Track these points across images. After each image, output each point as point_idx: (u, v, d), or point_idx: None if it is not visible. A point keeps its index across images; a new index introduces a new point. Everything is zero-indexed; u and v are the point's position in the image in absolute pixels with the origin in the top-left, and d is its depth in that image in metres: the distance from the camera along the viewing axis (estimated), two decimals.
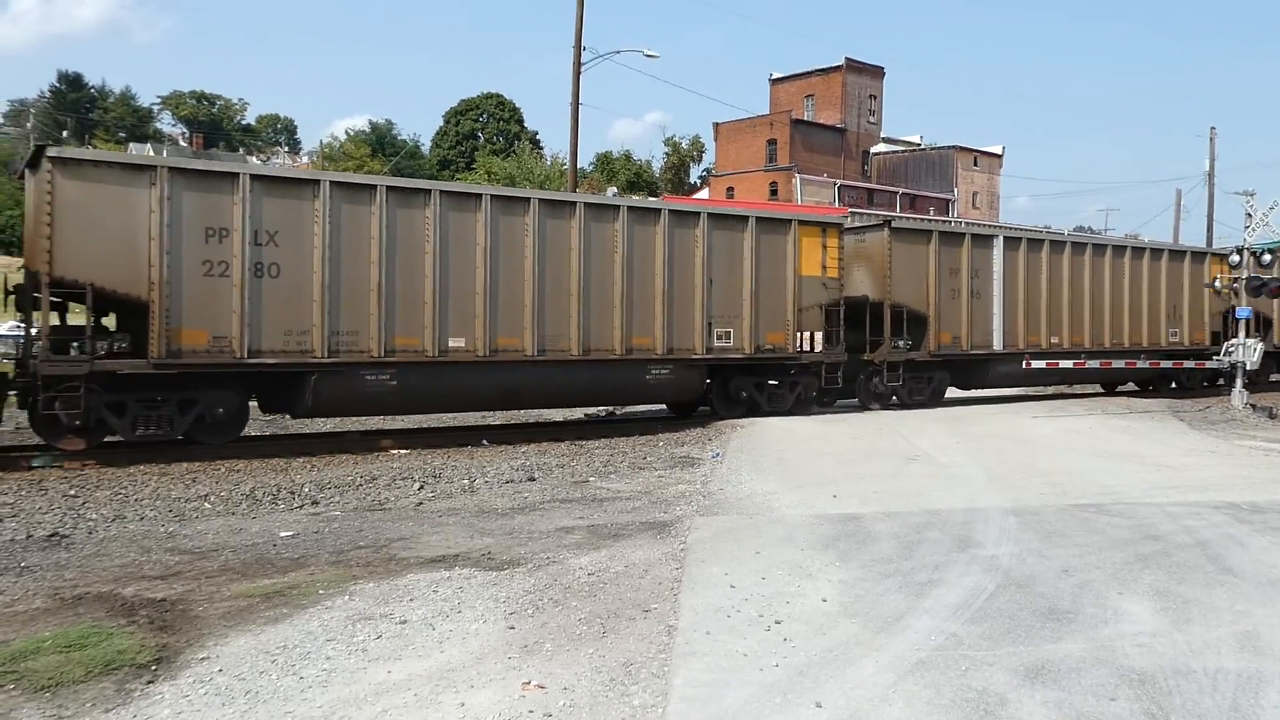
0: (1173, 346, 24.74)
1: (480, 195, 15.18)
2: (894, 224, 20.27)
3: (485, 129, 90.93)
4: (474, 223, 14.83)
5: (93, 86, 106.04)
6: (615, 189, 70.81)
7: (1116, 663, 5.45)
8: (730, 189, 75.12)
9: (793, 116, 77.18)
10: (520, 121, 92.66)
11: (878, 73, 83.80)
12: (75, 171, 12.31)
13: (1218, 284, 22.77)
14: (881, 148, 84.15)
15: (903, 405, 20.38)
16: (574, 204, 16.03)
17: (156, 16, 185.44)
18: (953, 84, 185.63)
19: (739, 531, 8.85)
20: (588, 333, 15.88)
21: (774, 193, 72.29)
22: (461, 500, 10.71)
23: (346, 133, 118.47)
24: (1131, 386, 26.89)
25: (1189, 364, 25.22)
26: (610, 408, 20.31)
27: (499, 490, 11.31)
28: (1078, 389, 26.54)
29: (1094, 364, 23.07)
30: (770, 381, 18.27)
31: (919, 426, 17.14)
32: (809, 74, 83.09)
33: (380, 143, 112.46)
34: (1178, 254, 25.73)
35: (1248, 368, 21.85)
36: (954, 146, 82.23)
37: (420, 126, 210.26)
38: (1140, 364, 24.07)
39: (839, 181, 74.26)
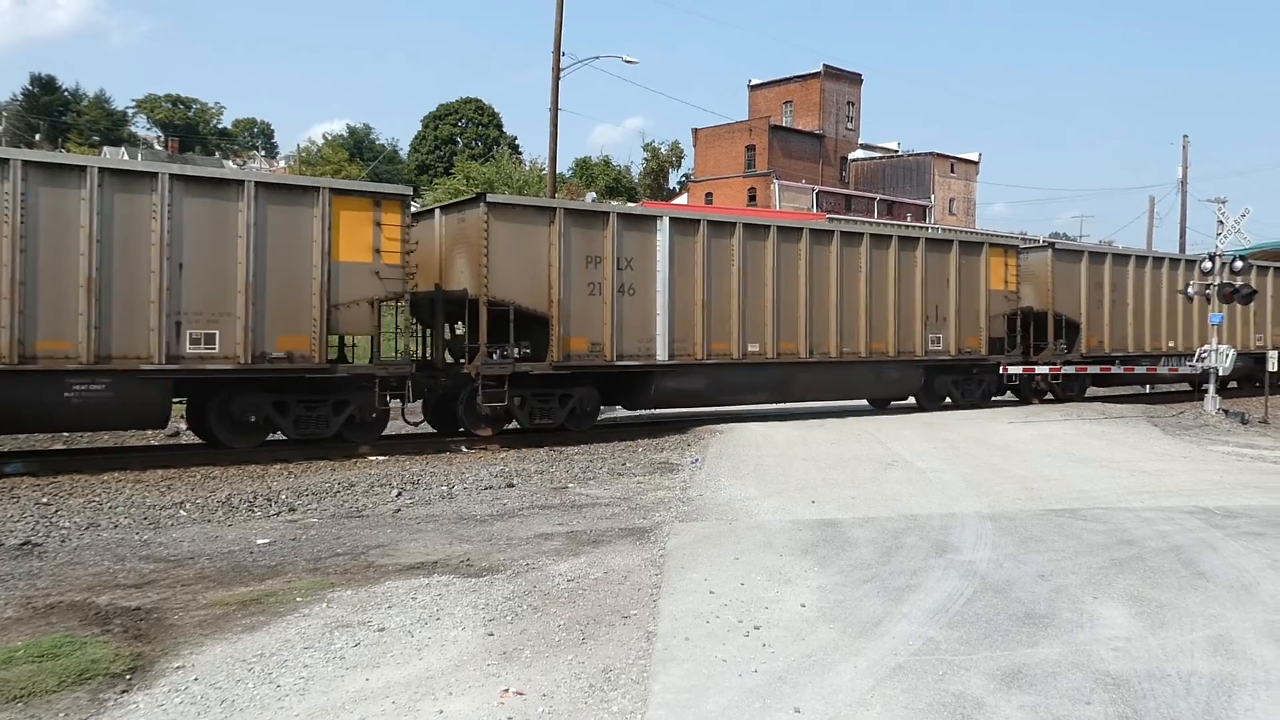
0: (931, 356, 20.83)
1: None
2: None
3: (464, 134, 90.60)
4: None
5: (66, 90, 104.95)
6: (594, 194, 70.78)
7: (1092, 666, 5.50)
8: (709, 195, 75.22)
9: (771, 122, 77.44)
10: (499, 126, 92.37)
11: (855, 79, 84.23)
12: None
13: (1190, 290, 23.00)
14: (859, 154, 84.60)
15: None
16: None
17: (135, 20, 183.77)
18: (930, 91, 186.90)
19: (718, 537, 8.87)
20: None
21: (752, 199, 72.48)
22: (440, 507, 10.67)
23: (324, 137, 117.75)
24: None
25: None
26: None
27: (478, 497, 11.27)
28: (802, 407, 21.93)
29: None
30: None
31: (896, 432, 17.23)
32: (787, 80, 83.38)
33: (358, 147, 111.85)
34: (941, 244, 21.52)
35: (1220, 373, 22.11)
36: (931, 153, 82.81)
37: (398, 131, 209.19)
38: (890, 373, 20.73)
39: (817, 187, 74.56)
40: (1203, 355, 22.45)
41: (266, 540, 8.84)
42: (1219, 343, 22.27)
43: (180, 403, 15.01)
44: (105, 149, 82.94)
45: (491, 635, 6.04)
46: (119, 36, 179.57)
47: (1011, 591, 7.01)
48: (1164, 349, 25.62)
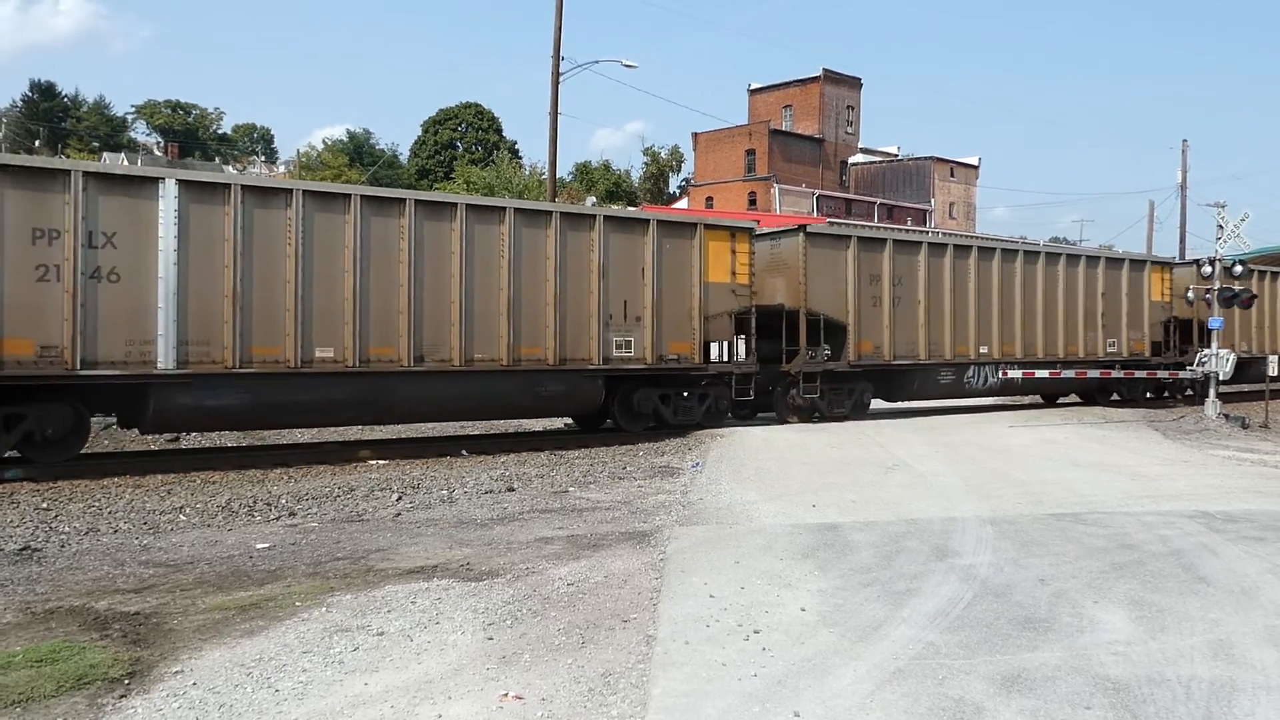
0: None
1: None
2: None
3: (464, 138, 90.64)
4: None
5: (66, 96, 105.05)
6: (594, 199, 70.84)
7: (1092, 671, 5.49)
8: (709, 199, 75.32)
9: (771, 127, 77.57)
10: (499, 131, 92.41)
11: (855, 84, 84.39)
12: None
13: (1189, 294, 23.03)
14: (859, 158, 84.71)
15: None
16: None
17: (136, 26, 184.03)
18: (929, 95, 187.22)
19: (718, 541, 8.86)
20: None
21: (752, 203, 72.54)
22: (440, 511, 10.66)
23: (324, 142, 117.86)
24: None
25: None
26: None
27: (478, 501, 11.27)
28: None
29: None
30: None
31: (897, 436, 17.23)
32: (787, 85, 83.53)
33: (358, 152, 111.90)
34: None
35: (1220, 378, 22.11)
36: (931, 157, 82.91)
37: (398, 136, 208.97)
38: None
39: (817, 192, 74.64)
40: (1202, 360, 22.47)
41: (266, 545, 8.84)
42: (1219, 347, 22.29)
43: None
44: (105, 155, 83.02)
45: (491, 639, 6.03)
46: (120, 42, 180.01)
47: (1012, 595, 7.00)
48: (1018, 356, 22.08)
